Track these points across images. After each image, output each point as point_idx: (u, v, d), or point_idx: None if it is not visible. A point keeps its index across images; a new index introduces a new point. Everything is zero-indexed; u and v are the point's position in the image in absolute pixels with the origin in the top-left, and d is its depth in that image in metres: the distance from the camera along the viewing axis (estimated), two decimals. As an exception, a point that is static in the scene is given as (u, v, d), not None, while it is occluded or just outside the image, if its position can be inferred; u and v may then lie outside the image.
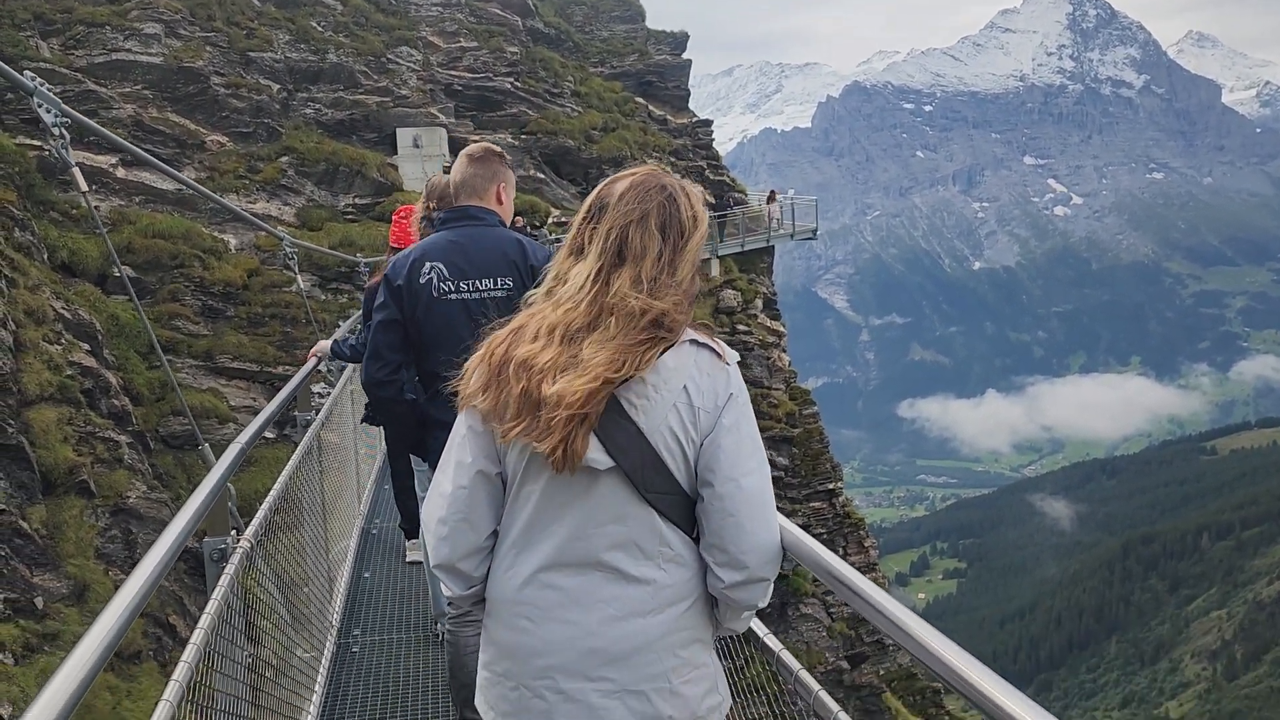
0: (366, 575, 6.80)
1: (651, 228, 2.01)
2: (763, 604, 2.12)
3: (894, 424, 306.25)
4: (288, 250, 7.63)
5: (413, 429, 3.82)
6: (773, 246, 32.93)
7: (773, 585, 2.12)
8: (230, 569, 3.04)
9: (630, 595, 2.01)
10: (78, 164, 3.76)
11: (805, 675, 2.31)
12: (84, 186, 3.72)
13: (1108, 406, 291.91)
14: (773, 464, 29.84)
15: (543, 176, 30.15)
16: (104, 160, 21.51)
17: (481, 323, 2.21)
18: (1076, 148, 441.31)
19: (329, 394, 6.82)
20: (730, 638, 2.65)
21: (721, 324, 29.36)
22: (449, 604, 2.78)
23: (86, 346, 19.03)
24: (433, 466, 3.47)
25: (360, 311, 6.94)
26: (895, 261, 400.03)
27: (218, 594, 2.83)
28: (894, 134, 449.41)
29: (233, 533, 3.23)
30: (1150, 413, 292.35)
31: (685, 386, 1.97)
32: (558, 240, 26.94)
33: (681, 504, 2.02)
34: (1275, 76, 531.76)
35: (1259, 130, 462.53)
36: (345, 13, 28.49)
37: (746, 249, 31.15)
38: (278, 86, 25.63)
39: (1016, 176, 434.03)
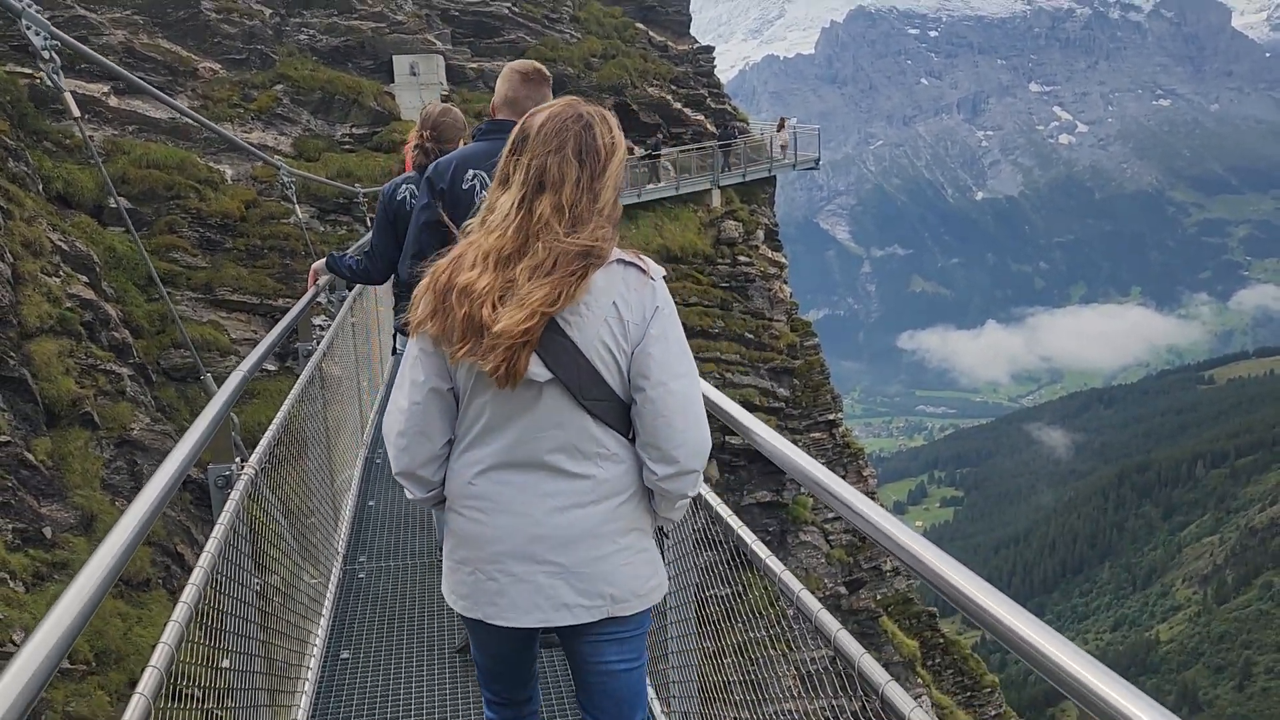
0: (371, 504, 6.85)
1: (569, 155, 2.17)
2: (693, 493, 2.37)
3: (894, 355, 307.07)
4: (285, 180, 7.50)
5: None
6: (774, 177, 32.56)
7: (701, 476, 2.37)
8: (235, 495, 3.02)
9: (571, 489, 2.26)
10: (70, 91, 3.68)
11: (807, 595, 2.38)
12: (76, 113, 3.64)
13: (1107, 337, 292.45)
14: (774, 395, 29.93)
15: (541, 105, 29.68)
16: (96, 89, 21.17)
17: None
18: (1083, 74, 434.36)
19: (330, 326, 6.77)
20: (733, 562, 2.82)
21: (723, 255, 29.22)
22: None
23: (85, 279, 18.95)
24: None
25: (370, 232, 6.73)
26: (898, 192, 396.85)
27: (224, 519, 2.82)
28: (898, 60, 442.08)
29: (237, 460, 3.21)
30: (1149, 343, 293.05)
31: (614, 302, 2.16)
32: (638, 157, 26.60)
33: (616, 408, 2.24)
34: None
35: (1268, 55, 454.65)
36: (338, -65, 27.74)
37: (748, 179, 30.81)
38: (270, 11, 25.08)
39: (1022, 104, 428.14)
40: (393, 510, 6.71)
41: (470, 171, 3.82)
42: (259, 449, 3.53)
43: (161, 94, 6.26)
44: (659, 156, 28.96)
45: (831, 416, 31.83)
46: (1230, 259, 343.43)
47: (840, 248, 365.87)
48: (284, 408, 4.18)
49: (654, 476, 2.29)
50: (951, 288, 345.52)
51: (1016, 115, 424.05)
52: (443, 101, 4.50)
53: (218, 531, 2.71)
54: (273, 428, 3.86)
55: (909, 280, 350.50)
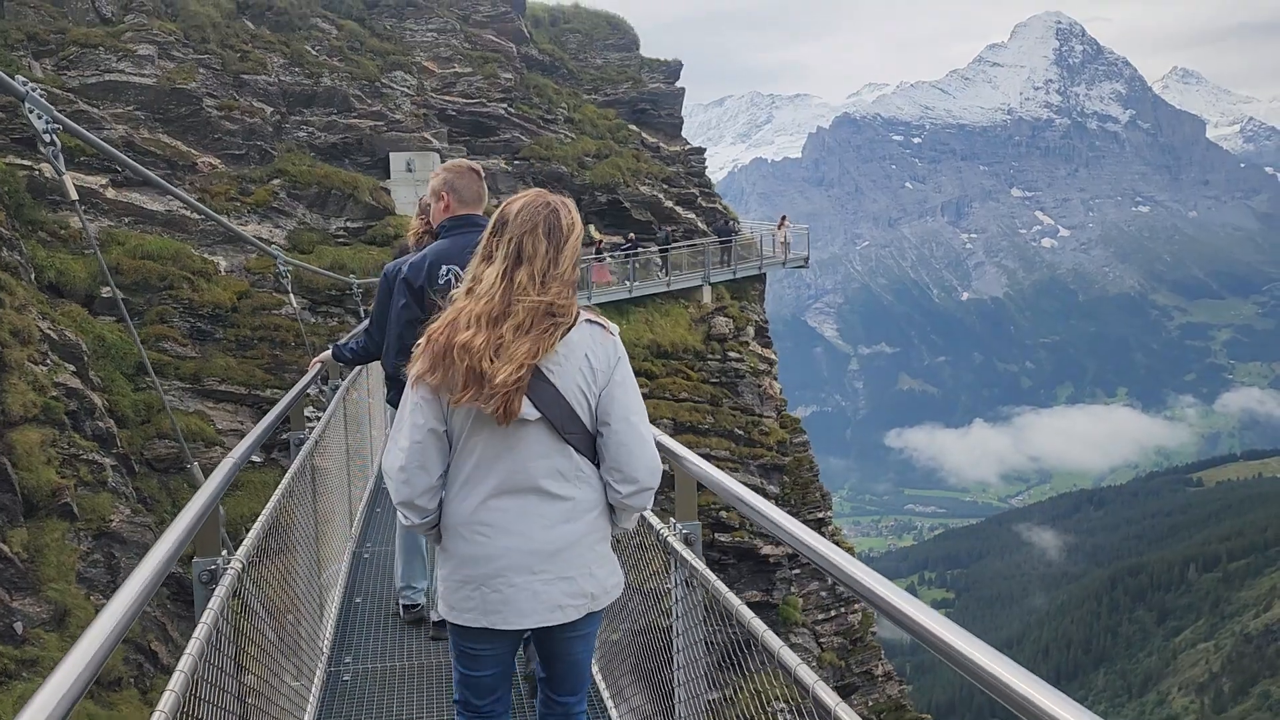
0: (358, 600, 6.69)
1: (539, 234, 2.69)
2: (648, 507, 2.95)
3: (882, 453, 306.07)
4: (282, 269, 7.47)
5: None
6: (765, 274, 32.95)
7: (651, 496, 2.87)
8: (220, 591, 2.91)
9: (558, 509, 2.76)
10: (68, 174, 3.66)
11: (804, 670, 2.37)
12: (74, 195, 3.61)
13: (1094, 437, 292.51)
14: (763, 492, 29.68)
15: (535, 202, 30.10)
16: (94, 180, 21.42)
17: None
18: (1063, 181, 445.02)
19: (319, 417, 6.67)
20: (741, 650, 3.05)
21: (713, 350, 29.32)
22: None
23: (72, 367, 18.82)
24: None
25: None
26: (884, 291, 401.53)
27: (207, 617, 2.71)
28: (883, 165, 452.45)
29: (223, 554, 3.12)
30: (1137, 444, 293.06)
31: (586, 354, 2.73)
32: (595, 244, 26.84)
33: (587, 440, 2.78)
34: (1258, 113, 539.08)
35: (1243, 165, 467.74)
36: (340, 37, 28.53)
37: (739, 276, 31.14)
38: (271, 109, 25.59)
39: (1004, 208, 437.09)
40: (381, 608, 6.53)
41: (444, 267, 4.07)
42: (247, 542, 3.43)
43: (157, 178, 6.28)
44: (669, 250, 29.35)
45: (821, 515, 31.53)
46: (1214, 362, 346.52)
47: (828, 345, 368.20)
48: (273, 500, 4.11)
49: (619, 494, 2.81)
50: (939, 386, 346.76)
51: (999, 219, 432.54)
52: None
53: (200, 631, 2.62)
54: (262, 519, 3.79)
55: (896, 378, 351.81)
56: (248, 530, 3.64)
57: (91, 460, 17.62)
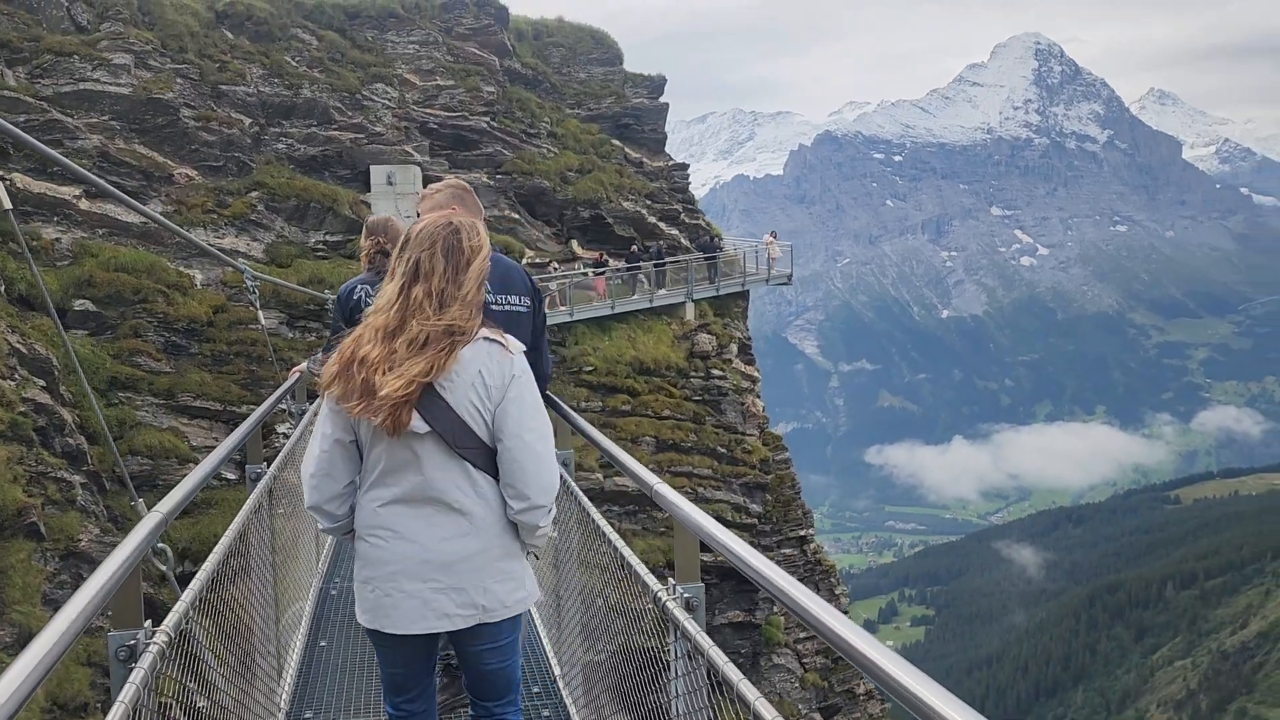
0: (323, 644, 6.12)
1: (437, 252, 2.80)
2: (544, 524, 2.94)
3: (862, 470, 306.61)
4: (250, 284, 7.18)
5: None
6: (748, 291, 32.78)
7: (553, 510, 2.96)
8: (139, 673, 2.46)
9: (455, 522, 2.84)
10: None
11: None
12: (7, 205, 3.33)
13: (1073, 455, 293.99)
14: (746, 511, 29.43)
15: (517, 217, 29.88)
16: (67, 191, 21.01)
17: (513, 330, 3.26)
18: (1042, 200, 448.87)
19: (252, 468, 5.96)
20: (710, 688, 2.97)
21: (696, 368, 29.10)
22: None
23: (42, 383, 18.39)
24: None
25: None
26: (865, 309, 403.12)
27: (125, 696, 2.33)
28: (864, 183, 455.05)
29: (147, 624, 2.66)
30: (1115, 461, 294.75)
31: (480, 370, 2.79)
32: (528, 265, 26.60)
33: (486, 455, 2.84)
34: (1233, 134, 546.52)
35: (1218, 186, 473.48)
36: (320, 48, 28.24)
37: (722, 293, 30.96)
38: (250, 120, 25.26)
39: (984, 227, 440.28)
40: (348, 651, 5.91)
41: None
42: (177, 610, 2.93)
43: (121, 194, 6.00)
44: (665, 264, 29.16)
45: (803, 532, 31.35)
46: (1191, 380, 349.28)
47: (809, 362, 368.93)
48: (222, 545, 3.74)
49: (512, 510, 2.89)
50: (919, 403, 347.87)
51: (979, 237, 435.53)
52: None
53: (116, 714, 2.26)
54: (203, 573, 3.38)
55: (877, 395, 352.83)
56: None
57: (60, 478, 17.19)
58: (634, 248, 29.95)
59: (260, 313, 6.90)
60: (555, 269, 27.76)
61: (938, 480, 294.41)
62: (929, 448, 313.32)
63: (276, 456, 5.85)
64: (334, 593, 7.05)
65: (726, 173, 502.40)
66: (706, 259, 30.21)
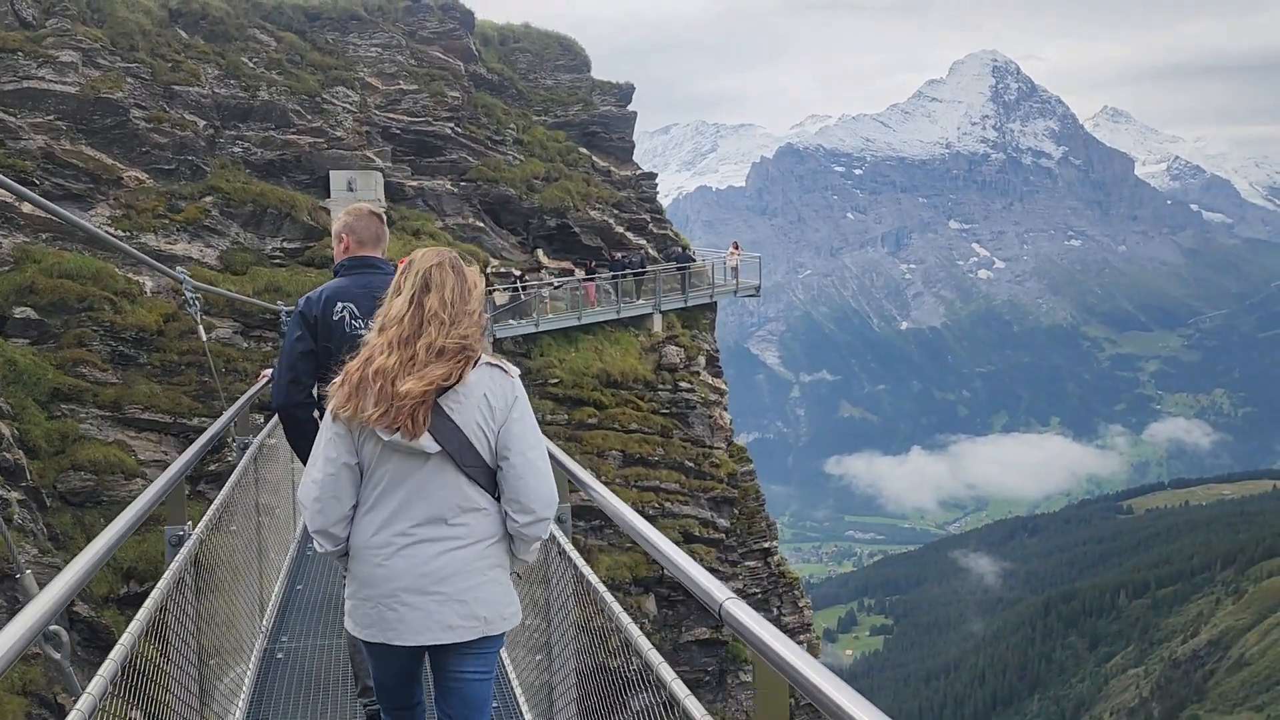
0: (299, 588, 6.52)
1: (446, 267, 3.02)
2: (544, 536, 3.13)
3: (822, 480, 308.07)
4: (188, 294, 6.51)
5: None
6: (715, 302, 32.36)
7: (551, 523, 3.15)
8: (185, 551, 3.12)
9: (452, 536, 2.99)
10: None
11: None
12: None
13: (1029, 465, 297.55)
14: (714, 526, 28.94)
15: (482, 225, 29.20)
16: (6, 193, 20.04)
17: None
18: (999, 214, 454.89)
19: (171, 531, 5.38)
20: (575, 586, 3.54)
21: (664, 380, 28.59)
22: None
23: (-23, 394, 17.43)
24: None
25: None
26: (826, 320, 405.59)
27: (175, 568, 2.82)
28: (825, 195, 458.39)
29: (188, 523, 3.48)
30: (1069, 472, 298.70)
31: (485, 394, 2.97)
32: (492, 289, 26.01)
33: (486, 473, 3.01)
34: (1183, 152, 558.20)
35: (1169, 202, 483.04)
36: (279, 49, 27.37)
37: (690, 304, 30.49)
38: (204, 123, 24.37)
39: (942, 240, 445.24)
40: (310, 657, 5.93)
41: (339, 304, 4.25)
42: (209, 513, 4.10)
43: (35, 195, 5.35)
44: (645, 273, 28.68)
45: (767, 544, 31.05)
46: (1142, 393, 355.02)
47: (770, 372, 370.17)
48: (140, 619, 3.31)
49: (516, 524, 3.04)
50: (878, 414, 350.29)
51: (938, 250, 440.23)
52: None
53: (170, 573, 3.07)
54: (139, 619, 3.21)
55: (838, 406, 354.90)
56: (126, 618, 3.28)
57: (-5, 495, 16.24)
58: (620, 255, 29.50)
59: (201, 327, 6.25)
60: (545, 276, 27.24)
61: (896, 490, 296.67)
62: (887, 458, 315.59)
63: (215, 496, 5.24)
64: (280, 656, 6.27)
65: (689, 184, 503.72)
66: (679, 268, 29.75)
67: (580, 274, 28.53)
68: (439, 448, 2.92)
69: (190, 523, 4.51)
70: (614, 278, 28.01)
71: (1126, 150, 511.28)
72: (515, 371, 3.10)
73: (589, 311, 27.59)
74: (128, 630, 3.13)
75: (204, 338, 6.80)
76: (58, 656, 2.78)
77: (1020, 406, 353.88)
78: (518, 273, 26.66)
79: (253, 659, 5.86)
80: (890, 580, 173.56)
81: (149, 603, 3.46)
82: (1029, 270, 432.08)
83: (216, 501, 5.05)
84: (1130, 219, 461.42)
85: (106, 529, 3.26)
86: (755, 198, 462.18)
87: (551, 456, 4.31)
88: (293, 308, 4.52)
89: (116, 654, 2.94)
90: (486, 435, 2.98)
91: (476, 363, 2.98)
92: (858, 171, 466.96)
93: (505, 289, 25.68)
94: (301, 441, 4.45)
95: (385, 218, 4.52)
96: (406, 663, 3.20)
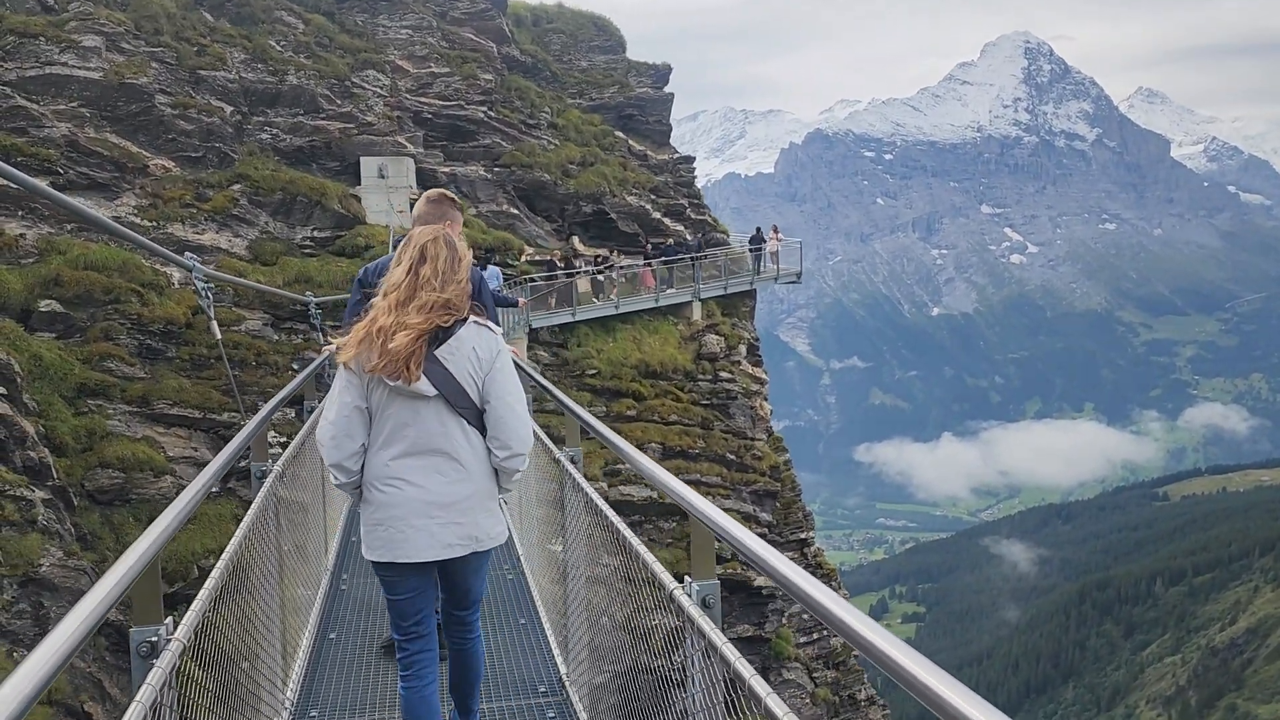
0: (332, 637, 6.27)
1: (440, 243, 3.60)
2: (522, 469, 3.75)
3: (852, 468, 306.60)
4: (199, 286, 5.78)
5: None
6: (755, 290, 31.38)
7: (528, 458, 3.75)
8: (159, 671, 2.63)
9: (453, 469, 3.59)
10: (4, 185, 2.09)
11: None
12: None
13: (1063, 452, 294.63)
14: (756, 521, 28.08)
15: (516, 212, 28.38)
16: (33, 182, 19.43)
17: None
18: (1032, 198, 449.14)
19: (257, 466, 5.94)
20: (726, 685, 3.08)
21: (704, 370, 27.73)
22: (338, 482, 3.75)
23: (1, 390, 16.85)
24: None
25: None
26: (856, 306, 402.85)
27: (143, 696, 2.48)
28: (855, 181, 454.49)
29: (166, 622, 2.82)
30: (1104, 458, 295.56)
31: (474, 347, 3.57)
32: (531, 280, 25.24)
33: (476, 414, 3.60)
34: (1221, 132, 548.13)
35: (1206, 184, 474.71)
36: (307, 32, 26.62)
37: (729, 292, 29.54)
38: (231, 109, 23.66)
39: (974, 225, 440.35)
40: (357, 646, 5.93)
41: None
42: (192, 612, 3.15)
43: (49, 189, 4.63)
44: (702, 258, 27.89)
45: (804, 535, 30.37)
46: (1179, 378, 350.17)
47: (800, 359, 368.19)
48: (232, 545, 3.93)
49: (498, 458, 3.66)
50: (909, 401, 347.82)
51: (969, 235, 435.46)
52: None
53: (134, 712, 2.41)
54: (213, 578, 3.51)
55: (868, 393, 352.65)
56: (200, 568, 4.19)
57: (19, 496, 15.63)
58: (671, 240, 28.76)
59: (214, 323, 5.61)
60: (614, 260, 26.53)
61: (927, 478, 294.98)
62: (918, 445, 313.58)
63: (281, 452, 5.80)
64: (343, 588, 7.14)
65: (718, 170, 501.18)
66: (752, 250, 28.90)
67: (620, 260, 27.67)
68: (436, 392, 3.46)
69: (270, 461, 5.38)
70: (668, 262, 27.15)
71: (1162, 131, 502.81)
72: (499, 330, 3.69)
73: (627, 300, 26.73)
74: (226, 549, 3.87)
75: (217, 335, 6.28)
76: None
77: (1054, 393, 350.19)
78: (557, 260, 25.85)
79: (320, 589, 6.82)
80: (922, 568, 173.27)
81: (240, 530, 4.17)
82: (1063, 254, 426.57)
83: (298, 437, 5.94)
84: (1166, 201, 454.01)
85: (212, 463, 4.01)
86: (784, 184, 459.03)
87: (567, 408, 5.70)
88: (328, 296, 4.35)
89: (224, 559, 3.74)
90: (475, 381, 3.52)
91: (465, 321, 3.52)
92: (888, 156, 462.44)
93: (587, 273, 25.12)
94: None
95: (442, 199, 4.81)
96: (414, 581, 3.70)
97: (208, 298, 5.47)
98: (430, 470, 3.50)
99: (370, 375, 3.42)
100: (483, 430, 3.58)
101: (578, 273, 26.30)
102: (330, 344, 6.31)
